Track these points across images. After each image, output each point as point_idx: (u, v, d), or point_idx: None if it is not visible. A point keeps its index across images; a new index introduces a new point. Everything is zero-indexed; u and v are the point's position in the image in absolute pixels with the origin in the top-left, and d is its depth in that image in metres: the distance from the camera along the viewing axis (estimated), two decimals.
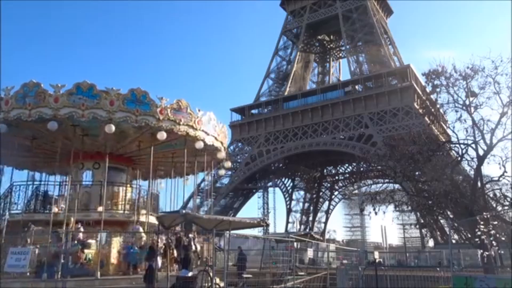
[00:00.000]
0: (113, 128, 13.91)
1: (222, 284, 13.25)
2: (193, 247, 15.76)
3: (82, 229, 14.50)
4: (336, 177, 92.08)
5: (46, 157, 17.74)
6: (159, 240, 14.91)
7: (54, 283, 12.23)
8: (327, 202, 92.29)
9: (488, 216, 13.51)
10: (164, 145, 16.80)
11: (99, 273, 13.57)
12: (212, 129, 16.80)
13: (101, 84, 15.11)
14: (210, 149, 17.20)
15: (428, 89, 19.67)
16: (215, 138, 17.04)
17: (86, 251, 14.26)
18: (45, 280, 12.71)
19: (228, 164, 20.06)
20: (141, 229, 15.60)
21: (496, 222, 13.59)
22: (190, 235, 16.12)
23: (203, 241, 17.79)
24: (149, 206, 17.69)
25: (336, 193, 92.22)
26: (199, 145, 15.87)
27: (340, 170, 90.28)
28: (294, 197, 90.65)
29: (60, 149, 16.08)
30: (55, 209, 15.91)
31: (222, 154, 18.03)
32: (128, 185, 18.47)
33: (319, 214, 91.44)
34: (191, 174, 20.93)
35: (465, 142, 17.07)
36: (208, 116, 16.53)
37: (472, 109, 16.70)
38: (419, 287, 17.24)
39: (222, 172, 21.82)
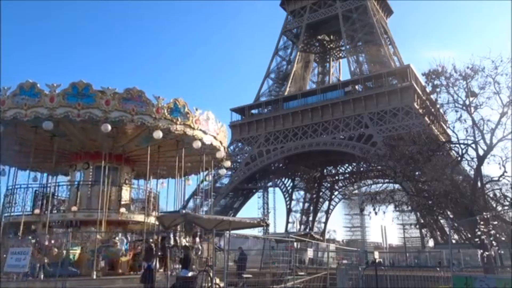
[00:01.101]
0: (50, 125, 13.62)
1: (222, 284, 13.25)
2: (172, 241, 15.24)
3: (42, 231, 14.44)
4: (336, 177, 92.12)
5: (41, 158, 17.72)
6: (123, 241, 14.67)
7: (54, 283, 12.22)
8: (327, 202, 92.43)
9: (488, 216, 13.51)
10: (143, 140, 16.06)
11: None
12: (183, 117, 15.27)
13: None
14: (188, 140, 15.83)
15: (428, 89, 19.65)
16: (190, 127, 15.44)
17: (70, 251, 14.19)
18: (45, 280, 12.76)
19: (220, 154, 18.15)
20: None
21: (496, 222, 13.61)
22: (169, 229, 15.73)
23: (203, 241, 17.75)
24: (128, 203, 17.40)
25: (336, 193, 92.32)
26: (157, 134, 14.58)
27: (340, 170, 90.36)
28: (294, 197, 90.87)
29: (50, 150, 16.05)
30: (36, 211, 15.92)
31: (198, 144, 15.94)
32: (125, 185, 18.08)
33: (319, 214, 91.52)
34: (192, 174, 20.91)
35: (465, 142, 17.07)
36: (174, 103, 15.12)
37: (472, 109, 16.69)
38: (419, 287, 17.25)
39: (223, 171, 21.08)
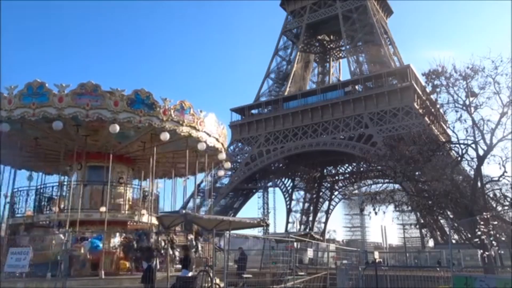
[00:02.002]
0: (7, 127, 13.73)
1: (222, 284, 13.25)
2: (145, 242, 14.61)
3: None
4: (336, 177, 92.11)
5: (41, 160, 17.85)
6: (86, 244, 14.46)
7: (54, 283, 12.22)
8: (327, 202, 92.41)
9: (488, 216, 13.51)
10: (119, 136, 15.59)
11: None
12: (148, 108, 14.49)
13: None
14: (156, 131, 15.06)
15: (428, 89, 19.67)
16: (157, 118, 14.67)
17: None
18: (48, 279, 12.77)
19: (202, 146, 16.34)
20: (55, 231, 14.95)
21: (496, 222, 13.61)
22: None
23: (203, 241, 17.74)
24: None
25: (336, 193, 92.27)
26: (114, 128, 13.98)
27: (340, 170, 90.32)
28: (294, 197, 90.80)
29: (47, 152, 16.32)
30: (28, 213, 16.08)
31: (166, 135, 14.91)
32: (119, 184, 17.81)
33: (319, 214, 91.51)
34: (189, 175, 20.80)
35: (465, 142, 17.08)
36: (135, 94, 14.35)
37: (472, 109, 16.70)
38: (419, 287, 17.24)
39: (223, 170, 20.36)
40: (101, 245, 14.48)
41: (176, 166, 19.49)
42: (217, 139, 17.33)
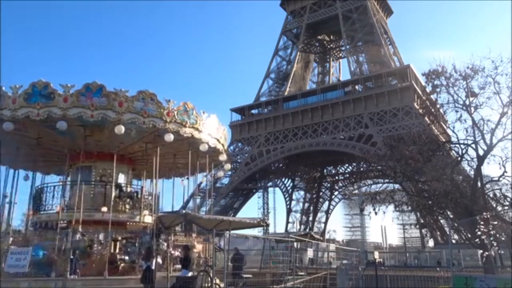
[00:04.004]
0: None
1: (222, 285, 13.24)
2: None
3: None
4: (336, 177, 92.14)
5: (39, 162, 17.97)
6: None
7: (54, 283, 12.23)
8: (327, 202, 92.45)
9: (488, 216, 13.51)
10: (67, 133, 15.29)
11: None
12: (45, 98, 13.67)
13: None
14: (54, 121, 13.86)
15: (428, 89, 19.64)
16: (56, 107, 13.65)
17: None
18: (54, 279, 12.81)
19: (119, 129, 14.18)
20: None
21: (496, 222, 13.60)
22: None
23: (203, 241, 17.71)
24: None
25: (336, 193, 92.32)
26: (7, 126, 13.69)
27: (340, 170, 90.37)
28: (294, 197, 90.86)
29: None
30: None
31: (62, 125, 13.73)
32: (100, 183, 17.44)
33: (319, 214, 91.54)
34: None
35: (465, 142, 17.06)
36: (32, 87, 13.80)
37: (472, 109, 16.68)
38: (419, 287, 17.25)
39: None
40: (41, 253, 13.97)
41: (176, 166, 19.40)
42: (162, 119, 15.04)
